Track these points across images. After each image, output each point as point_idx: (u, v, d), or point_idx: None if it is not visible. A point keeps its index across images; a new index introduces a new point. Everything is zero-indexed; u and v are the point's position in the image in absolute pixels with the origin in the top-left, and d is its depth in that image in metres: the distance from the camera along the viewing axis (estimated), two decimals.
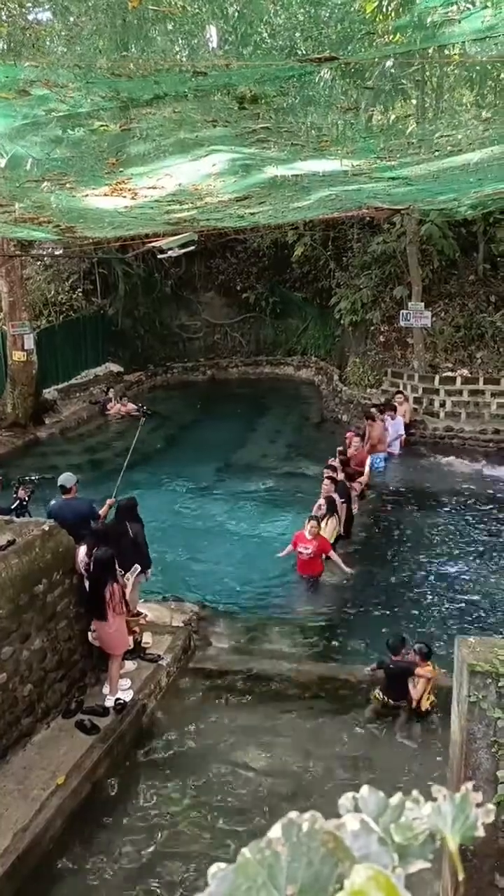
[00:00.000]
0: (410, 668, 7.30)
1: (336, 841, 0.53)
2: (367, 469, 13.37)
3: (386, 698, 7.37)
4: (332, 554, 10.17)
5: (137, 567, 8.16)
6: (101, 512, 8.66)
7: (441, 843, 0.59)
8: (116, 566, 7.41)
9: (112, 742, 6.81)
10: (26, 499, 9.95)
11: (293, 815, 0.56)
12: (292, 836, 0.54)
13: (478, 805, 0.57)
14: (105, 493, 9.49)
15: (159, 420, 18.30)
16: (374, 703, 7.42)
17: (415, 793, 0.60)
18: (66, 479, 8.61)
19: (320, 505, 11.08)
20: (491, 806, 0.57)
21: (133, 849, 5.93)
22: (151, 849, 5.93)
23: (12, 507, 9.63)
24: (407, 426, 16.04)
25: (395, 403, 16.01)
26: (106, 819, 6.23)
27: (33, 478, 10.72)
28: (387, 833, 0.54)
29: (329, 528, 10.62)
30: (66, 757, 6.53)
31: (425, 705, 7.24)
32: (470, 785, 0.60)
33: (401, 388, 17.28)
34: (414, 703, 7.26)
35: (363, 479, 12.90)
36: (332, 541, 10.64)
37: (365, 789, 0.63)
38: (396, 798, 0.59)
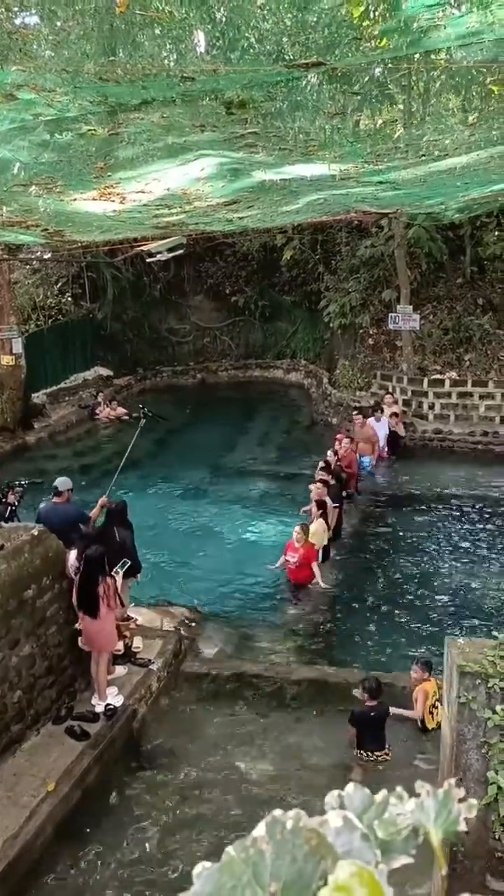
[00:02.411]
0: (388, 711, 6.79)
1: (319, 838, 0.53)
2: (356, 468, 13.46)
3: (366, 753, 6.74)
4: (315, 565, 10.15)
5: (127, 562, 8.14)
6: (93, 513, 8.63)
7: (425, 838, 0.60)
8: (106, 564, 7.39)
9: (102, 748, 6.79)
10: (16, 503, 9.90)
11: (277, 813, 0.56)
12: (276, 833, 0.54)
13: (460, 800, 0.58)
14: (95, 497, 9.46)
15: (152, 423, 18.24)
16: (358, 765, 6.73)
17: (398, 789, 0.60)
18: (62, 482, 8.58)
19: (310, 509, 11.10)
20: (473, 801, 0.58)
21: (124, 855, 5.91)
22: (142, 854, 5.91)
23: (5, 514, 9.59)
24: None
25: (385, 405, 16.05)
26: (96, 825, 6.20)
27: (23, 482, 10.66)
28: (370, 829, 0.55)
29: (318, 531, 10.62)
30: (57, 763, 6.50)
31: (432, 724, 6.93)
32: (453, 780, 0.60)
33: (389, 391, 17.34)
34: (419, 723, 7.10)
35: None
36: (323, 543, 10.65)
37: (350, 786, 0.63)
38: (380, 794, 0.60)
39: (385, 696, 7.55)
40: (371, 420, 15.23)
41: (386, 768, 6.67)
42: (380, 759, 6.73)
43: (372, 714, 6.72)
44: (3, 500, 9.90)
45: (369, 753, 6.73)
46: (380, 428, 15.30)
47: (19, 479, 11.13)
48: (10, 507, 9.77)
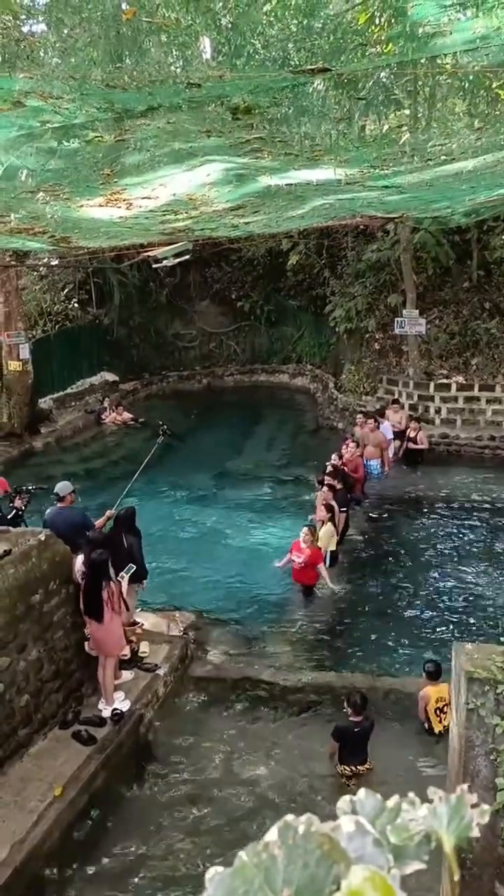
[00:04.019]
0: (372, 726, 6.68)
1: (331, 843, 0.53)
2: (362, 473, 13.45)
3: (348, 768, 6.63)
4: (322, 567, 10.12)
5: (133, 567, 8.15)
6: (99, 522, 8.64)
7: (438, 844, 0.59)
8: (111, 568, 7.40)
9: (109, 753, 6.78)
10: (23, 508, 9.92)
11: (289, 818, 0.56)
12: (288, 838, 0.54)
13: (473, 806, 0.58)
14: (100, 502, 9.49)
15: (152, 430, 18.20)
16: (342, 778, 6.65)
17: (411, 794, 0.60)
18: (62, 487, 8.61)
19: (319, 512, 11.07)
20: (486, 807, 0.58)
21: (131, 860, 5.90)
22: (151, 860, 5.90)
23: (8, 516, 9.62)
24: (402, 432, 16.02)
25: (390, 411, 16.02)
26: (103, 830, 6.19)
27: (30, 487, 10.69)
28: (383, 834, 0.55)
29: (326, 535, 10.61)
30: (64, 768, 6.50)
31: (439, 727, 6.96)
32: (465, 786, 0.60)
33: (396, 396, 17.31)
34: (426, 726, 7.09)
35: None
36: (331, 548, 10.63)
37: (362, 792, 0.63)
38: (393, 800, 0.60)
39: (390, 703, 7.55)
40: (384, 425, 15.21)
41: (388, 776, 6.64)
42: (361, 772, 6.63)
43: (356, 730, 6.61)
44: (11, 504, 9.93)
45: (352, 768, 6.65)
46: (384, 432, 15.26)
47: (26, 484, 11.15)
48: (16, 512, 9.80)
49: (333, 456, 13.01)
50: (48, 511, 8.70)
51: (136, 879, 5.73)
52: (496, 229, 17.25)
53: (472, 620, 9.52)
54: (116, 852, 5.98)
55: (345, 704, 6.75)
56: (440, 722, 7.00)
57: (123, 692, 7.49)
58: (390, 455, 15.24)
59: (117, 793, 6.62)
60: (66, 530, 7.79)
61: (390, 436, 15.38)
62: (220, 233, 10.00)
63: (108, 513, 8.88)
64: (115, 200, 6.03)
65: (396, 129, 4.95)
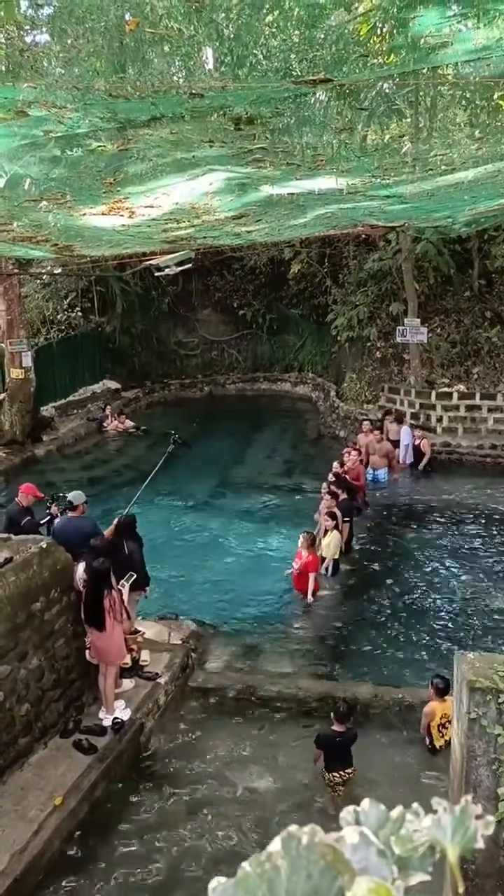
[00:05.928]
0: (355, 736, 6.67)
1: (335, 853, 0.53)
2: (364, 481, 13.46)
3: (336, 774, 6.62)
4: (312, 575, 10.03)
5: (133, 574, 8.13)
6: (108, 532, 8.61)
7: (441, 855, 0.59)
8: (112, 576, 7.38)
9: (110, 762, 6.75)
10: (57, 515, 9.90)
11: (293, 828, 0.56)
12: (292, 849, 0.54)
13: (477, 817, 0.57)
14: (103, 510, 9.47)
15: (154, 437, 18.19)
16: (329, 788, 6.63)
17: (415, 805, 0.60)
18: (76, 496, 8.60)
19: (325, 520, 11.03)
20: (490, 818, 0.57)
21: (131, 869, 5.86)
22: (150, 870, 5.86)
23: (42, 521, 9.60)
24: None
25: (391, 421, 16.04)
26: (104, 840, 6.16)
27: (63, 494, 10.68)
28: (387, 845, 0.55)
29: (333, 543, 10.57)
30: (64, 777, 6.47)
31: (440, 742, 6.91)
32: (470, 797, 0.60)
33: (396, 406, 17.34)
34: (427, 742, 7.04)
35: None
36: (335, 556, 10.60)
37: (366, 802, 0.63)
38: (397, 811, 0.59)
39: (391, 713, 7.52)
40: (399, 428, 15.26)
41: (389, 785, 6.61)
42: (349, 777, 6.63)
43: (337, 739, 6.62)
44: (48, 510, 9.92)
45: (339, 774, 6.63)
46: (404, 435, 15.33)
47: (60, 492, 11.11)
48: (51, 518, 9.78)
49: (335, 464, 12.99)
50: (57, 520, 8.69)
51: (136, 890, 5.69)
52: (497, 239, 17.31)
53: (473, 629, 9.48)
54: (116, 861, 5.94)
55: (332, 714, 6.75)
56: (442, 737, 6.94)
57: (124, 701, 7.46)
58: (399, 462, 15.25)
59: (118, 802, 6.58)
60: (76, 540, 7.76)
61: (409, 439, 15.42)
62: (223, 241, 10.03)
63: (115, 521, 8.86)
64: (118, 209, 6.06)
65: (398, 139, 4.98)
